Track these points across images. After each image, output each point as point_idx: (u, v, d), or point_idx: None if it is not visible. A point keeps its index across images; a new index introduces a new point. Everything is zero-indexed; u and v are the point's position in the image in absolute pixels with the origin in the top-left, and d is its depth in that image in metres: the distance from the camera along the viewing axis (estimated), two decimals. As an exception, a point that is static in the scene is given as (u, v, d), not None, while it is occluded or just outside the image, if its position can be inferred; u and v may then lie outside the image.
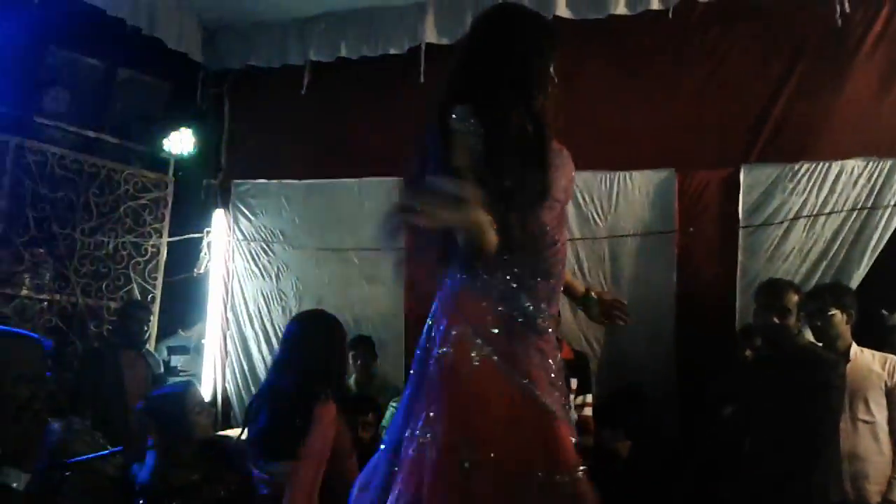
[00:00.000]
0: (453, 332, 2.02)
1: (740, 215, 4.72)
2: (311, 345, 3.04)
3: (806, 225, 4.60)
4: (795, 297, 3.71)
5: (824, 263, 4.52)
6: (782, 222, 4.64)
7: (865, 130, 4.54)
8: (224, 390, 5.81)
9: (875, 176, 4.49)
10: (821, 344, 3.91)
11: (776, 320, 3.67)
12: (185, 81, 6.05)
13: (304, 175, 5.68)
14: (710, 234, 4.80)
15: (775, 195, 4.67)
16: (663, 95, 4.89)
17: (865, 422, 3.75)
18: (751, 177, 4.73)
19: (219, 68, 5.98)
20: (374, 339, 5.18)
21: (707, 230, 4.80)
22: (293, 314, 5.41)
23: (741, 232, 4.70)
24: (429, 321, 2.11)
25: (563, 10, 4.83)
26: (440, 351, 2.01)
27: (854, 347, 3.86)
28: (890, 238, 4.42)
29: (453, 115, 2.03)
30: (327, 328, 3.16)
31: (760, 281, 4.17)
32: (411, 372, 2.12)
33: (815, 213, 4.58)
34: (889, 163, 4.46)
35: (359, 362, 5.09)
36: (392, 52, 5.32)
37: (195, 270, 5.93)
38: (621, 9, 4.81)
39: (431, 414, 1.96)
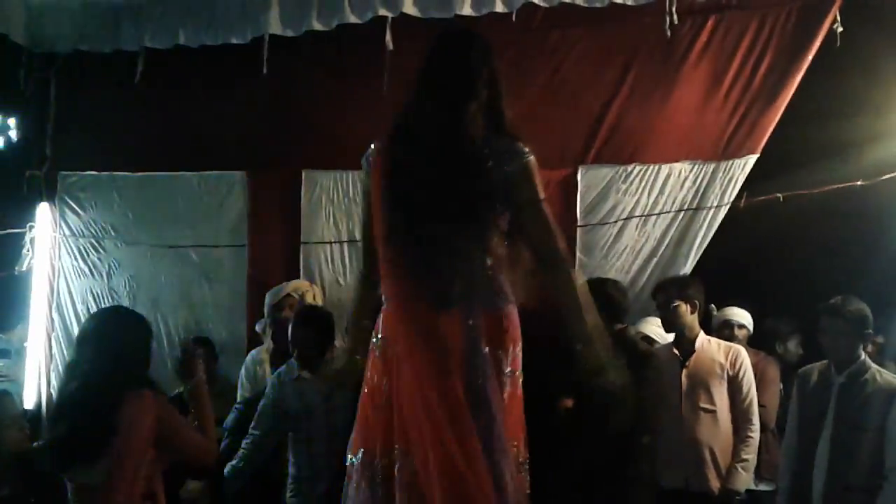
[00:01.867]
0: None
1: (578, 214, 4.90)
2: (105, 342, 2.84)
3: (638, 224, 4.84)
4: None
5: (654, 260, 4.78)
6: (616, 221, 4.86)
7: (691, 136, 4.83)
8: (49, 396, 5.41)
9: (700, 179, 4.79)
10: (671, 334, 4.14)
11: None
12: (5, 65, 5.58)
13: (138, 167, 5.38)
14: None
15: (610, 196, 4.89)
16: (507, 96, 4.97)
17: (706, 410, 3.95)
18: (587, 178, 4.92)
19: (45, 52, 5.55)
20: (214, 340, 4.99)
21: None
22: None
23: (579, 230, 4.89)
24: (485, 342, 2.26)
25: (409, 8, 4.82)
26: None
27: (701, 337, 4.08)
28: (713, 236, 4.74)
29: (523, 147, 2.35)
30: (121, 322, 2.97)
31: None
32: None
33: (646, 213, 4.84)
34: (712, 166, 4.77)
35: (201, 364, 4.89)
36: (234, 41, 5.13)
37: (16, 268, 5.49)
38: (467, 9, 4.86)
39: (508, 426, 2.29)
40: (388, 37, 4.87)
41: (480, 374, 2.25)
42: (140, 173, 5.40)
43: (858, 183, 4.52)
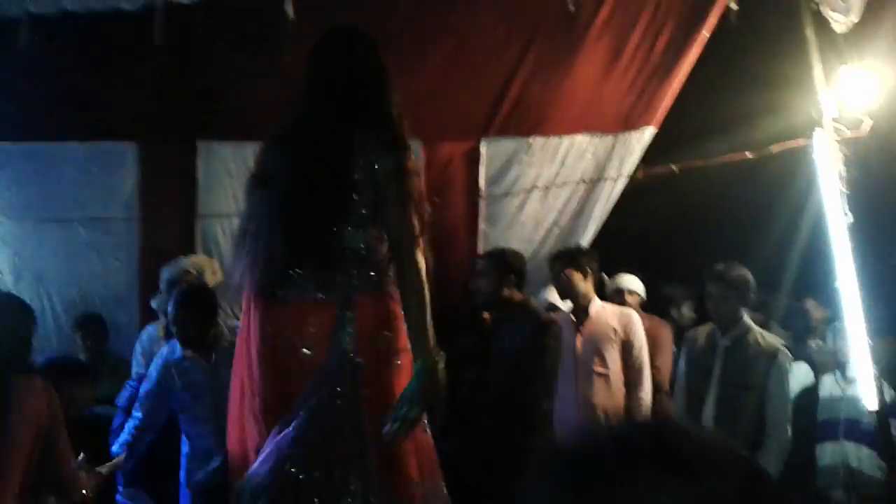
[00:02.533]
0: None
1: (482, 186, 4.90)
2: None
3: (540, 196, 4.88)
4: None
5: (556, 231, 4.84)
6: (519, 193, 4.89)
7: (592, 108, 4.89)
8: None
9: (600, 151, 4.86)
10: (568, 301, 4.21)
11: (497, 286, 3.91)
12: None
13: (20, 137, 5.07)
14: (456, 204, 4.94)
15: (513, 167, 4.91)
16: (410, 68, 4.94)
17: (600, 374, 4.04)
18: (491, 149, 4.93)
19: (-79, 18, 5.19)
20: (105, 317, 4.79)
21: (452, 200, 4.93)
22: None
23: (482, 202, 4.90)
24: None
25: (304, -20, 4.71)
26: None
27: (595, 304, 4.16)
28: (613, 207, 4.83)
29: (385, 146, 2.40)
30: (2, 309, 2.90)
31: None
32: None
33: (548, 184, 4.88)
34: (612, 138, 4.84)
35: (88, 343, 4.71)
36: (125, 7, 4.89)
37: None
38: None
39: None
40: (289, 5, 4.74)
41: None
42: (24, 144, 5.09)
43: (748, 155, 4.67)
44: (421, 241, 2.40)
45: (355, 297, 2.38)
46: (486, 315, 4.38)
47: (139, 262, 4.90)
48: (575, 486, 0.70)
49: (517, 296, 4.04)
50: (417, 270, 2.36)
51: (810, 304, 4.94)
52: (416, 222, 2.40)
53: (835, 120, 4.52)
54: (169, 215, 5.00)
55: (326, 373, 2.33)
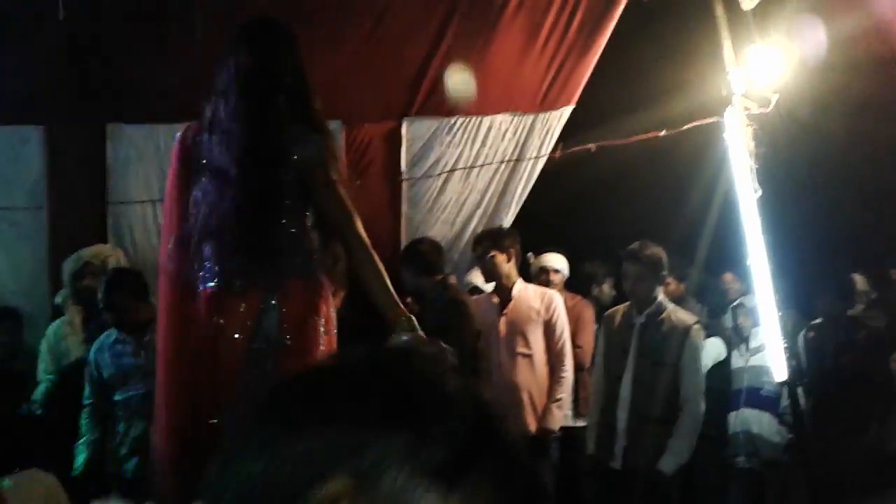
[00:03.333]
0: None
1: (403, 168, 4.87)
2: None
3: (461, 176, 4.88)
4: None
5: (478, 212, 4.85)
6: (441, 174, 4.88)
7: (511, 88, 4.90)
8: None
9: (520, 130, 4.88)
10: (493, 282, 4.25)
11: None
12: None
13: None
14: (377, 187, 4.90)
15: (434, 148, 4.89)
16: (328, 48, 4.85)
17: (524, 355, 4.08)
18: (412, 130, 4.90)
19: None
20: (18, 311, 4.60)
21: (373, 182, 4.89)
22: None
23: (404, 184, 4.87)
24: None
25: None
26: None
27: (519, 285, 4.20)
28: (533, 187, 4.86)
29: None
30: None
31: (423, 230, 4.41)
32: None
33: (469, 165, 4.88)
34: (531, 118, 4.87)
35: (5, 338, 4.50)
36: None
37: None
38: (280, -45, 4.63)
39: None
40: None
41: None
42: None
43: (662, 133, 4.76)
44: (357, 217, 2.49)
45: (284, 283, 2.49)
46: (408, 300, 4.40)
47: (49, 252, 4.70)
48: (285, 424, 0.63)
49: (432, 278, 4.05)
50: (362, 243, 2.46)
51: (728, 279, 5.07)
52: (347, 200, 2.49)
53: (744, 96, 4.63)
54: (78, 203, 4.80)
55: (253, 354, 2.46)
